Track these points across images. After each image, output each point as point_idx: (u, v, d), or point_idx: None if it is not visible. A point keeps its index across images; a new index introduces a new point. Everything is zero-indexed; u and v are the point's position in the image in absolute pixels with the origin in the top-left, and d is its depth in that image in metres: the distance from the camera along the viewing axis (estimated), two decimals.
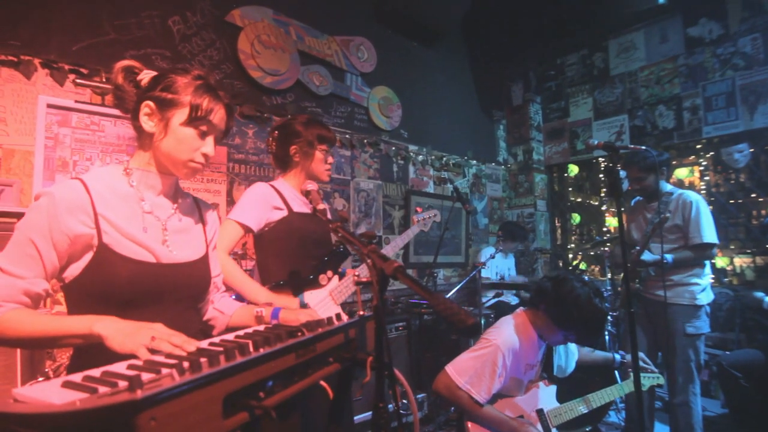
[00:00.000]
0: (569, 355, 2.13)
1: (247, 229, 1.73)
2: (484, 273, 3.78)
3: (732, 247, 4.03)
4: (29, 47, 2.27)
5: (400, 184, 4.15)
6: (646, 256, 2.61)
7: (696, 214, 2.58)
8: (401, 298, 3.62)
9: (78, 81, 2.40)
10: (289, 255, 1.78)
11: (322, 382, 0.97)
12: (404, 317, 3.21)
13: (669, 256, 2.56)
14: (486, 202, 5.13)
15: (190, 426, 0.55)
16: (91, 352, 0.90)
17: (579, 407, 1.95)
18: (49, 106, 2.30)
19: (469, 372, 1.73)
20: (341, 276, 1.90)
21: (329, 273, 1.85)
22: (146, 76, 1.08)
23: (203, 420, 0.58)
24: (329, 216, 1.47)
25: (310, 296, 1.78)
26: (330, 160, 1.91)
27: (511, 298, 4.09)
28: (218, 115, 1.07)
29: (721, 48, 3.99)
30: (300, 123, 1.86)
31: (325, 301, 1.82)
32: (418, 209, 2.41)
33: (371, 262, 0.89)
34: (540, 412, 1.85)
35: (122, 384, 0.58)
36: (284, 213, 1.78)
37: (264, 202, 1.76)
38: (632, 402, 2.73)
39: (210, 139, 1.08)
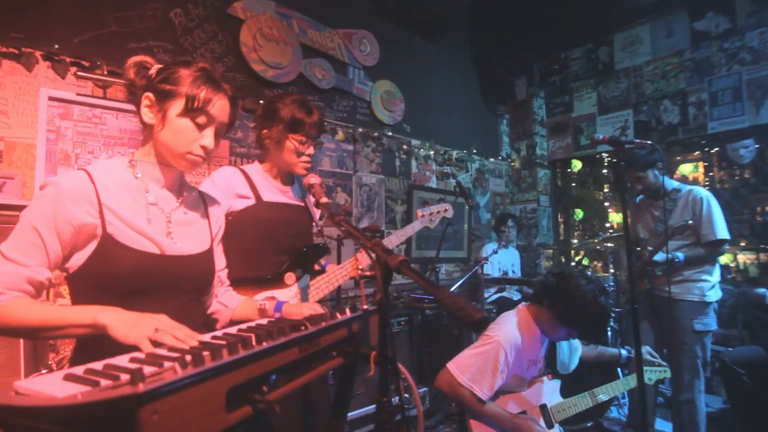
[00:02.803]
0: (572, 351, 2.12)
1: None
2: (486, 269, 3.77)
3: (736, 243, 4.01)
4: (31, 39, 2.25)
5: (403, 178, 4.14)
6: (658, 257, 2.58)
7: (708, 211, 2.56)
8: (403, 293, 3.62)
9: (79, 74, 2.39)
10: (252, 249, 1.55)
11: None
12: (406, 312, 3.21)
13: (680, 255, 2.54)
14: (489, 197, 5.11)
15: (193, 420, 0.55)
16: (93, 345, 0.90)
17: (584, 402, 1.94)
18: (51, 98, 2.29)
19: (471, 369, 1.72)
20: (316, 274, 1.70)
21: (298, 271, 1.62)
22: (155, 69, 1.07)
23: (206, 414, 0.57)
24: (332, 210, 1.40)
25: (277, 295, 1.55)
26: (308, 150, 1.61)
27: (513, 293, 4.08)
28: (218, 107, 1.05)
29: (727, 42, 3.95)
30: (282, 103, 1.60)
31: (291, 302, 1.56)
32: (427, 202, 2.14)
33: (375, 256, 0.88)
34: (543, 408, 1.85)
35: (124, 377, 0.58)
36: (250, 202, 1.57)
37: (225, 189, 1.54)
38: (635, 397, 2.72)
39: (209, 131, 1.06)
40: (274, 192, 1.64)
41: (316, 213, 1.81)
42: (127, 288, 0.97)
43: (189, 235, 1.12)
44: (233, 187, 1.56)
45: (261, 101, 3.05)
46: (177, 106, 1.02)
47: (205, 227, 1.19)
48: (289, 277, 1.59)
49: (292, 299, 1.57)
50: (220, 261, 1.25)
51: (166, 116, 1.03)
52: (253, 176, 1.63)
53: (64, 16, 2.36)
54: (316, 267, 1.72)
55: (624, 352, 2.21)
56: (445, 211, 2.15)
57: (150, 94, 1.03)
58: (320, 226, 1.78)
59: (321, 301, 1.64)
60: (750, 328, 3.58)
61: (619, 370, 2.94)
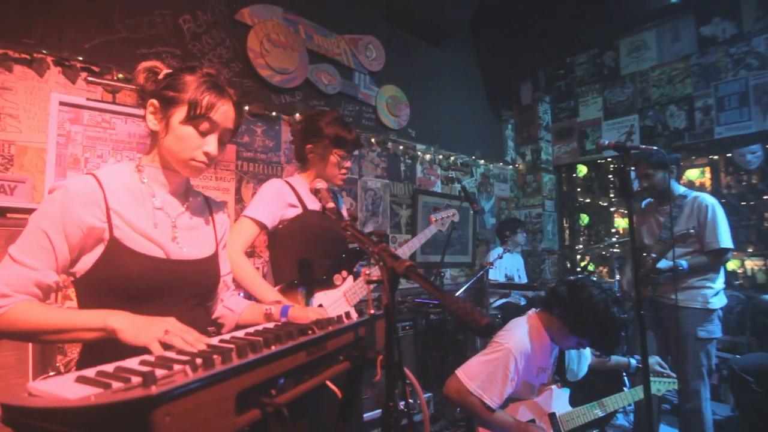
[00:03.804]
0: (582, 359, 2.09)
1: (262, 226, 1.70)
2: (491, 274, 3.76)
3: (743, 249, 3.98)
4: (42, 45, 2.29)
5: (408, 183, 4.15)
6: (662, 264, 2.55)
7: (712, 219, 2.53)
8: (408, 297, 3.61)
9: (90, 79, 2.42)
10: (302, 254, 1.74)
11: (328, 383, 0.97)
12: (411, 317, 3.21)
13: (684, 262, 2.52)
14: (494, 202, 5.10)
15: (204, 422, 0.55)
16: (100, 347, 0.91)
17: (594, 411, 1.90)
18: (62, 103, 2.32)
19: (480, 377, 1.69)
20: (356, 276, 1.86)
21: (344, 273, 1.80)
22: (163, 75, 1.08)
23: (216, 416, 0.58)
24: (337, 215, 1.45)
25: (323, 297, 1.74)
26: (346, 164, 1.86)
27: (519, 298, 4.07)
28: (221, 112, 1.05)
29: (734, 47, 3.94)
30: (324, 121, 1.80)
31: (339, 302, 1.78)
32: (437, 208, 2.33)
33: (382, 261, 0.88)
34: (552, 416, 1.82)
35: (136, 380, 0.58)
36: (299, 210, 1.75)
37: (279, 199, 1.73)
38: (641, 405, 2.70)
39: (212, 138, 1.05)
40: (315, 201, 1.78)
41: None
42: (134, 292, 0.98)
43: (194, 239, 1.13)
44: (285, 197, 1.74)
45: (267, 110, 3.10)
46: (180, 113, 1.03)
47: (210, 232, 1.20)
48: (338, 278, 1.78)
49: (340, 299, 1.76)
50: (225, 266, 1.25)
51: (169, 123, 1.03)
52: (297, 187, 1.80)
53: (75, 23, 2.39)
54: (353, 269, 1.88)
55: (633, 361, 2.18)
56: (453, 215, 2.33)
57: (154, 101, 1.04)
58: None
59: (360, 303, 1.82)
60: (758, 335, 3.54)
61: (625, 378, 2.91)
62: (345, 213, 2.02)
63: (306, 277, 1.73)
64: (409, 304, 3.46)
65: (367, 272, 1.74)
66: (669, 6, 4.09)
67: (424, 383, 3.17)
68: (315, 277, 1.74)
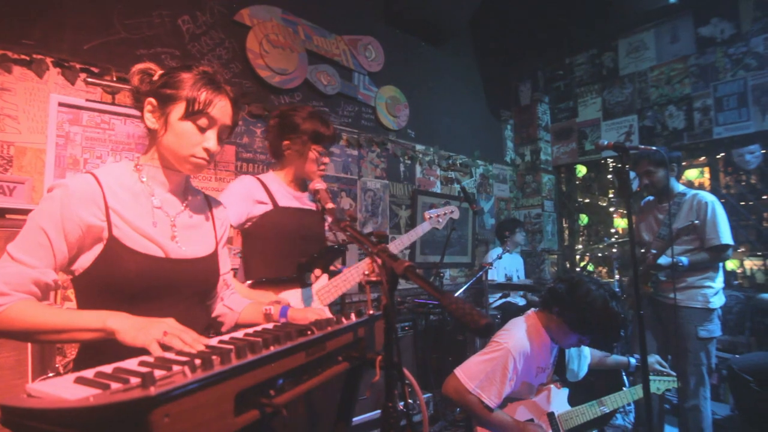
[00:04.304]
0: (582, 359, 2.09)
1: None
2: (491, 274, 3.76)
3: (742, 249, 3.98)
4: (41, 46, 2.29)
5: (407, 183, 4.15)
6: (662, 260, 2.56)
7: (712, 215, 2.54)
8: (407, 298, 3.61)
9: (89, 80, 2.42)
10: (272, 251, 1.67)
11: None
12: (410, 317, 3.21)
13: (684, 259, 2.52)
14: (493, 203, 5.11)
15: (203, 423, 0.55)
16: (97, 348, 0.91)
17: (593, 410, 1.91)
18: (61, 104, 2.33)
19: (479, 376, 1.70)
20: (332, 275, 1.80)
21: (317, 271, 1.73)
22: (158, 75, 1.09)
23: (215, 417, 0.58)
24: (337, 215, 1.44)
25: (294, 295, 1.67)
26: (325, 160, 1.78)
27: (518, 299, 4.07)
28: (219, 108, 1.06)
29: (732, 48, 3.94)
30: (300, 116, 1.73)
31: (311, 301, 1.73)
32: (434, 205, 2.30)
33: (381, 261, 0.88)
34: (551, 416, 1.82)
35: (134, 380, 0.58)
36: (268, 207, 1.68)
37: (246, 196, 1.66)
38: (642, 405, 2.70)
39: (211, 134, 1.06)
40: (289, 198, 1.75)
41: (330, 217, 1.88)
42: (133, 291, 0.98)
43: (194, 238, 1.13)
44: (252, 193, 1.67)
45: (267, 110, 3.10)
46: (178, 109, 1.03)
47: (209, 231, 1.20)
48: (309, 277, 1.71)
49: (311, 298, 1.70)
50: (225, 264, 1.25)
51: (168, 120, 1.04)
52: (269, 184, 1.74)
53: (74, 23, 2.40)
54: (332, 268, 1.83)
55: (633, 360, 2.19)
56: (452, 212, 2.25)
57: (152, 99, 1.04)
58: (334, 230, 1.87)
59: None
60: (758, 335, 3.55)
61: (625, 377, 2.92)
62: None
63: (273, 275, 1.65)
64: (408, 304, 3.46)
65: (366, 272, 1.74)
66: (667, 6, 4.10)
67: (424, 384, 3.17)
68: (285, 275, 1.67)
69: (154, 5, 2.67)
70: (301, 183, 1.83)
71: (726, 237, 2.51)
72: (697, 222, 2.53)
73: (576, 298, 1.72)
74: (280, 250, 1.68)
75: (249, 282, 1.64)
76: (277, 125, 1.77)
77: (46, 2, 2.31)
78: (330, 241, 1.89)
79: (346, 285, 1.80)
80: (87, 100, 2.41)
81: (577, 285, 1.75)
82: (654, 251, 2.60)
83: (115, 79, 2.49)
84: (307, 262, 1.70)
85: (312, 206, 1.82)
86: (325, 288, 1.76)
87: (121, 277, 0.97)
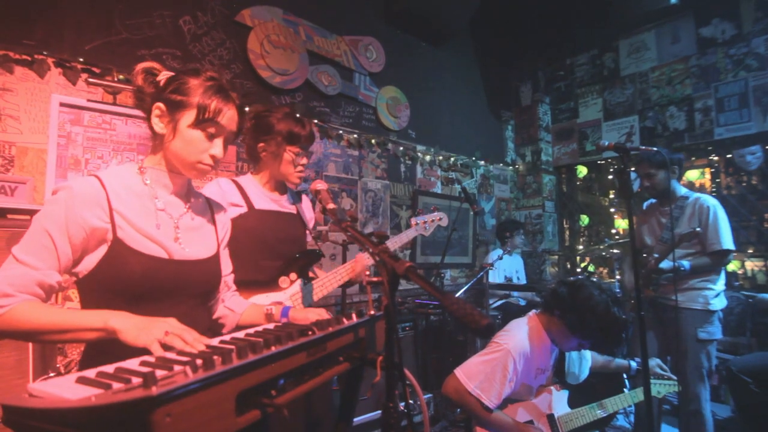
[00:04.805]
0: (583, 361, 2.09)
1: None
2: (491, 275, 3.76)
3: (743, 250, 3.98)
4: (43, 46, 2.29)
5: (408, 184, 4.15)
6: (664, 264, 2.55)
7: (714, 220, 2.53)
8: (408, 298, 3.61)
9: (90, 80, 2.43)
10: (244, 254, 1.58)
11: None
12: (411, 317, 3.21)
13: (686, 263, 2.52)
14: (494, 203, 5.10)
15: (205, 423, 0.56)
16: (103, 348, 0.91)
17: (593, 413, 1.90)
18: (62, 104, 2.33)
19: (479, 377, 1.70)
20: (307, 280, 1.74)
21: (292, 275, 1.67)
22: (164, 77, 1.09)
23: (217, 417, 0.58)
24: (338, 216, 1.42)
25: (265, 299, 1.60)
26: (302, 161, 1.71)
27: (518, 299, 4.07)
28: (227, 116, 1.07)
29: (733, 48, 3.94)
30: (275, 117, 1.67)
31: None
32: (433, 208, 2.21)
33: (382, 262, 0.88)
34: (551, 417, 1.82)
35: (136, 380, 0.59)
36: (242, 210, 1.63)
37: (219, 197, 1.57)
38: (642, 406, 2.70)
39: (218, 141, 1.08)
40: (266, 201, 1.71)
41: (310, 220, 1.87)
42: (137, 292, 0.99)
43: (196, 240, 1.14)
44: (226, 196, 1.62)
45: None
46: (188, 116, 1.04)
47: (211, 232, 1.21)
48: (284, 280, 1.65)
49: (286, 302, 1.63)
50: (226, 266, 1.26)
51: (177, 127, 1.04)
52: (245, 186, 1.70)
53: (75, 24, 2.40)
54: (311, 274, 1.77)
55: (634, 364, 2.18)
56: (440, 219, 2.23)
57: (161, 104, 1.05)
58: (313, 234, 1.83)
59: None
60: (758, 336, 3.54)
61: (626, 379, 2.91)
62: (309, 217, 1.87)
63: (246, 278, 1.55)
64: (409, 304, 3.46)
65: (368, 273, 1.73)
66: (668, 7, 4.09)
67: (425, 384, 3.17)
68: (257, 279, 1.61)
69: (156, 6, 2.68)
70: (279, 185, 1.78)
71: (727, 242, 2.50)
72: (699, 230, 2.52)
73: (577, 301, 1.71)
74: (256, 253, 1.63)
75: None
76: (252, 127, 1.72)
77: (48, 2, 2.32)
78: (309, 245, 1.82)
79: (323, 290, 1.75)
80: (88, 100, 2.41)
81: (579, 289, 1.75)
82: (656, 255, 2.60)
83: (116, 79, 2.49)
84: (283, 265, 1.66)
85: (291, 209, 1.78)
86: (299, 294, 1.69)
87: (125, 279, 0.97)
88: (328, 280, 1.79)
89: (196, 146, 1.05)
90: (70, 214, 0.94)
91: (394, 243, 2.05)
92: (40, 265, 0.93)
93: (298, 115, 1.73)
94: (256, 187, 1.72)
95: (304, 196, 1.92)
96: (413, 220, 2.18)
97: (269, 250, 1.65)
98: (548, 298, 1.87)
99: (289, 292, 1.66)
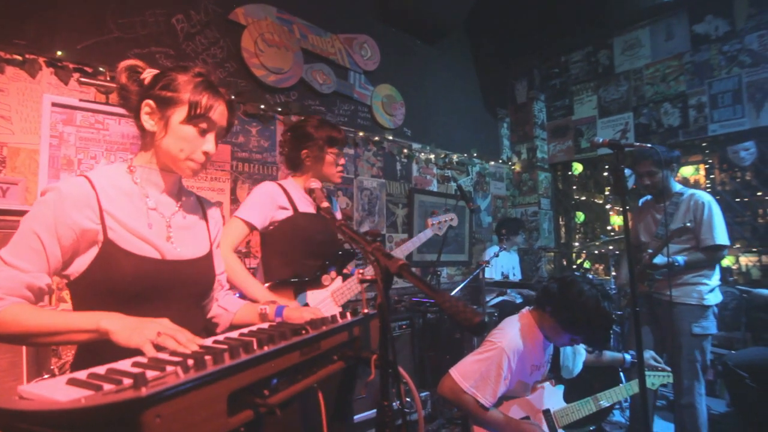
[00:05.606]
0: (577, 356, 2.11)
1: (251, 227, 1.76)
2: (487, 272, 3.77)
3: (738, 245, 4.00)
4: (34, 46, 2.27)
5: (404, 182, 4.15)
6: (658, 259, 2.56)
7: (708, 216, 2.54)
8: (404, 296, 3.61)
9: (82, 80, 2.41)
10: (292, 254, 1.80)
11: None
12: (407, 316, 3.21)
13: (680, 258, 2.53)
14: (490, 201, 5.11)
15: (195, 423, 0.55)
16: (96, 349, 0.90)
17: (587, 407, 1.92)
18: (54, 104, 2.31)
19: (474, 376, 1.70)
20: (346, 277, 1.90)
21: (333, 273, 1.86)
22: (149, 74, 1.08)
23: (208, 417, 0.57)
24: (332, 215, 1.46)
25: (311, 296, 1.79)
26: (341, 161, 1.94)
27: (515, 296, 4.08)
28: (218, 112, 1.07)
29: (727, 45, 3.96)
30: (312, 125, 1.88)
31: (326, 302, 1.82)
32: (435, 212, 2.37)
33: (375, 260, 0.88)
34: (546, 413, 1.83)
35: (127, 381, 0.58)
36: (289, 213, 1.80)
37: (270, 201, 1.79)
38: (637, 401, 2.71)
39: (210, 137, 1.07)
40: (308, 204, 1.85)
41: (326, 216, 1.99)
42: (129, 293, 0.98)
43: (189, 239, 1.13)
44: (276, 199, 1.80)
45: (262, 110, 3.09)
46: (180, 113, 1.03)
47: (203, 231, 1.20)
48: (326, 278, 1.84)
49: (327, 299, 1.81)
50: (219, 265, 1.25)
51: (168, 123, 1.03)
52: (290, 190, 1.86)
53: (67, 23, 2.38)
54: (345, 270, 1.93)
55: (628, 356, 2.19)
56: (452, 219, 2.38)
57: (150, 102, 1.03)
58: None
59: (345, 303, 1.89)
60: (753, 331, 3.57)
61: (621, 374, 2.93)
62: (339, 215, 2.04)
63: (295, 277, 1.77)
64: (405, 303, 3.46)
65: (361, 272, 1.77)
66: (662, 4, 4.11)
67: (421, 382, 3.18)
68: (303, 277, 1.79)
69: (148, 4, 2.66)
70: None
71: (721, 237, 2.52)
72: (689, 225, 2.53)
73: (568, 297, 1.72)
74: (299, 253, 1.81)
75: (268, 284, 1.74)
76: (291, 138, 1.91)
77: (39, 2, 2.30)
78: (344, 245, 1.99)
79: (359, 286, 1.88)
80: (80, 100, 2.39)
81: (569, 285, 1.75)
82: (650, 251, 2.61)
83: (108, 78, 2.47)
84: (325, 264, 1.83)
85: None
86: (339, 290, 1.86)
87: (117, 280, 0.96)
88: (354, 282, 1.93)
89: (189, 143, 1.04)
90: (59, 216, 0.93)
91: (413, 244, 2.24)
92: (29, 267, 0.92)
93: (331, 122, 1.97)
94: (299, 191, 1.88)
95: (334, 198, 2.10)
96: (429, 221, 2.32)
97: (313, 250, 1.83)
98: (540, 294, 1.88)
99: (330, 289, 1.84)
